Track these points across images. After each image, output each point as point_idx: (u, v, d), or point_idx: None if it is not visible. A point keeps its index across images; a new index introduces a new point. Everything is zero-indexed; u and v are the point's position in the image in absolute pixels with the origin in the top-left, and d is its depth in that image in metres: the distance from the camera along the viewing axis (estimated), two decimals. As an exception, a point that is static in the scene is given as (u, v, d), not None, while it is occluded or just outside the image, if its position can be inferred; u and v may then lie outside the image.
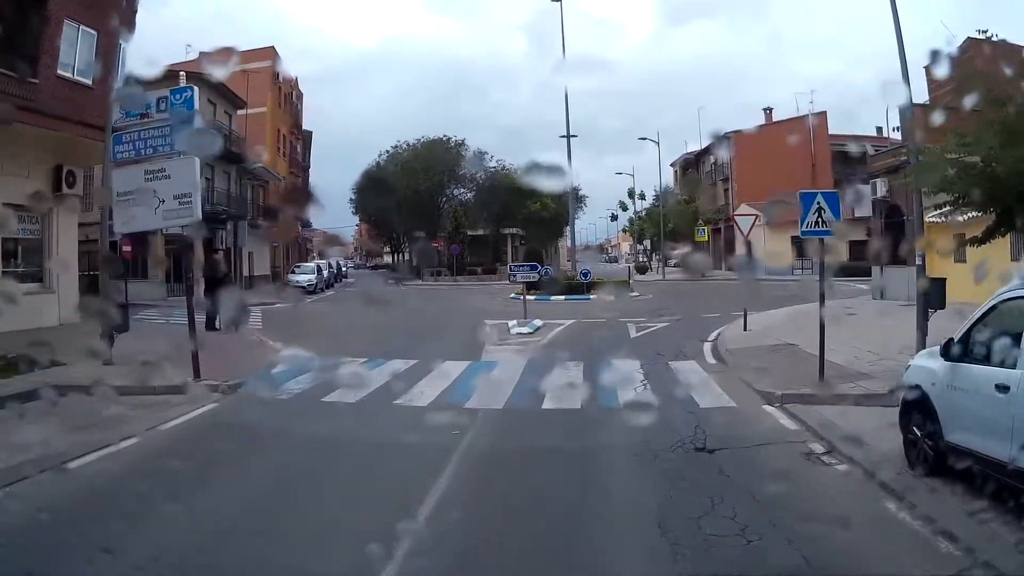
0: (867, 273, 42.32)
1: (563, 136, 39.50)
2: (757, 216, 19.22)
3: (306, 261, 65.81)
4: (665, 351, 16.68)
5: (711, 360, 15.26)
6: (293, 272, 45.47)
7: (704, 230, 51.90)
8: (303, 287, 42.14)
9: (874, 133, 63.29)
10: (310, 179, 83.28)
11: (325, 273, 48.59)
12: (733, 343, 16.91)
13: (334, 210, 69.08)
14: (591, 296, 33.65)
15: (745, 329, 18.86)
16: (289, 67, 64.56)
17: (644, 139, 55.88)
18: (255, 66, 54.76)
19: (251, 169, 46.89)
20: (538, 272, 22.75)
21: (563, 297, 33.54)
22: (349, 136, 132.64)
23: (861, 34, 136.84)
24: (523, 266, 23.07)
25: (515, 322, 21.55)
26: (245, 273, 47.77)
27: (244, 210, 46.88)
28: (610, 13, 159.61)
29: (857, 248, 49.15)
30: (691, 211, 56.31)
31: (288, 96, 64.55)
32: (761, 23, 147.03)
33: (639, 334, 19.96)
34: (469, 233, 58.88)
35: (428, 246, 57.88)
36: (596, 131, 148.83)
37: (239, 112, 48.24)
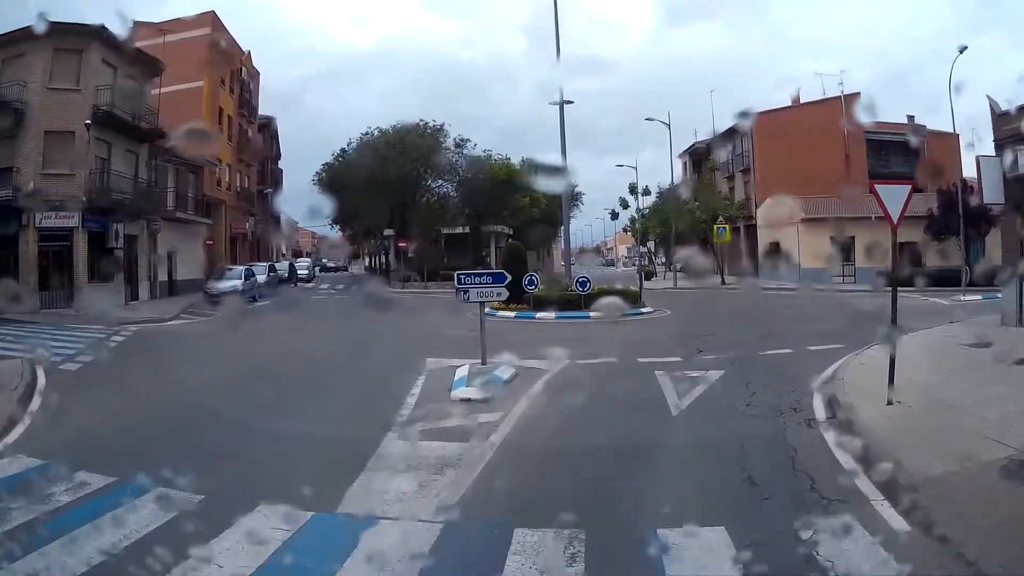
0: (942, 283, 33.40)
1: (554, 103, 30.46)
2: (913, 186, 10.12)
3: (278, 261, 57.63)
4: (761, 467, 7.76)
5: (892, 517, 6.29)
6: (218, 278, 36.29)
7: (724, 229, 42.92)
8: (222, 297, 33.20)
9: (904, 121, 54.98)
10: (279, 173, 75.00)
11: (262, 278, 39.56)
12: (909, 449, 7.85)
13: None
14: (591, 314, 24.69)
15: (890, 402, 9.87)
16: (238, 36, 55.70)
17: (651, 120, 46.67)
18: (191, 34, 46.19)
19: (167, 149, 37.73)
20: (507, 285, 13.58)
21: (553, 315, 24.58)
22: (352, 136, 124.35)
23: (859, 35, 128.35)
24: (480, 275, 13.56)
25: (465, 370, 12.63)
26: (163, 278, 38.88)
27: (159, 200, 37.85)
28: (611, 13, 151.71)
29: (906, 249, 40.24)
30: (711, 205, 47.26)
31: (236, 73, 55.46)
32: (761, 23, 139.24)
33: (685, 403, 10.86)
34: (445, 231, 49.61)
35: (426, 246, 48.72)
36: (595, 132, 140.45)
37: (158, 83, 39.14)
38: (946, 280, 33.36)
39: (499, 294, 13.26)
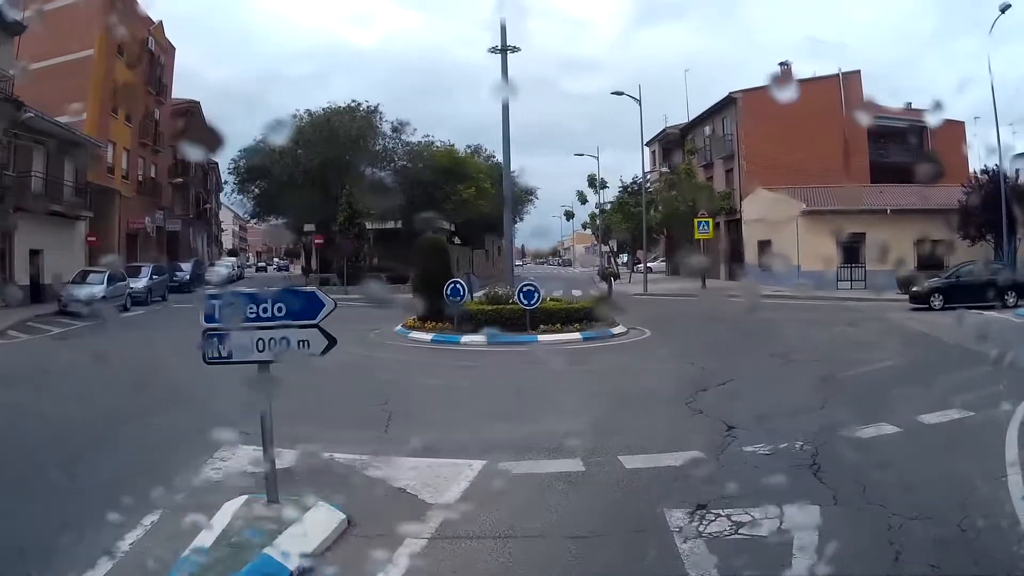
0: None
1: (495, 49, 22.94)
2: None
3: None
4: None
5: None
6: (79, 282, 28.67)
7: (707, 223, 35.88)
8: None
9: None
10: (211, 164, 66.58)
11: (143, 282, 32.03)
12: None
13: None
14: (538, 338, 17.43)
15: None
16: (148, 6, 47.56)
17: (620, 94, 39.26)
18: None
19: (23, 121, 29.79)
20: (320, 322, 5.80)
21: (484, 339, 17.24)
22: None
23: (842, 33, 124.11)
24: (260, 300, 6.32)
25: (212, 534, 5.25)
26: (25, 281, 30.83)
27: (14, 186, 29.76)
28: (581, 12, 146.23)
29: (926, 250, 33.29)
30: (697, 193, 40.31)
31: (142, 44, 47.21)
32: (733, 24, 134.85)
33: None
34: (372, 227, 41.93)
35: (343, 243, 41.07)
36: (563, 133, 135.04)
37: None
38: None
39: (303, 343, 5.78)
